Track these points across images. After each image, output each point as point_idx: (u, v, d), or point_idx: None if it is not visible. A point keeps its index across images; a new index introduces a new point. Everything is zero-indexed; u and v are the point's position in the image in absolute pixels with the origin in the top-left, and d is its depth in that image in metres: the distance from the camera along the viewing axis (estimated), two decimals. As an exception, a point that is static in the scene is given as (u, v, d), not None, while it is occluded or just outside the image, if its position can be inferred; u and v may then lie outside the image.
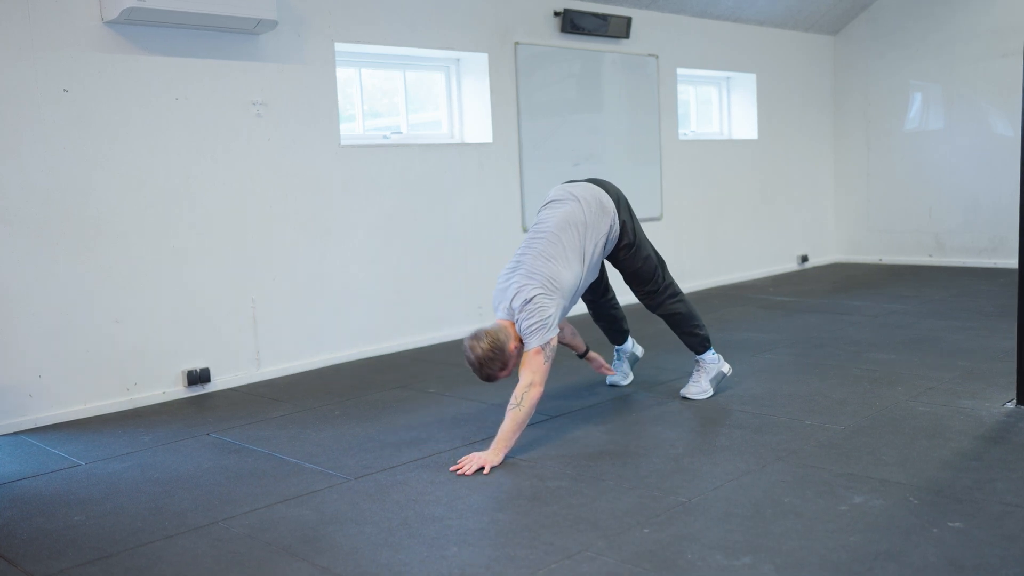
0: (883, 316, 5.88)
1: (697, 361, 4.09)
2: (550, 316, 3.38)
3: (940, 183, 8.38)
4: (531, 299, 3.39)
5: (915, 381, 4.16)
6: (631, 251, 3.82)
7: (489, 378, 3.41)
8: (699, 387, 4.06)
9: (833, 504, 2.74)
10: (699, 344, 4.04)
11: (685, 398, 4.06)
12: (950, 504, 2.70)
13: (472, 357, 3.37)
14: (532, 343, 3.35)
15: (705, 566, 2.38)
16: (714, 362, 4.08)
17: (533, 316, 3.36)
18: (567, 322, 3.92)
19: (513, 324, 3.44)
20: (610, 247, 3.79)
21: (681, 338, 4.05)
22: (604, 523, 2.69)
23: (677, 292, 4.00)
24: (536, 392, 3.32)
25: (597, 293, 4.15)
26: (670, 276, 4.00)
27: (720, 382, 4.13)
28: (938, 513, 2.64)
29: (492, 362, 3.35)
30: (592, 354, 4.14)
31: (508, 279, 3.51)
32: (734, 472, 3.08)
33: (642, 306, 4.05)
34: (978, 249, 8.19)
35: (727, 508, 2.76)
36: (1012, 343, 4.24)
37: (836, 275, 8.13)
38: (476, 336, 3.38)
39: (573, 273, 3.55)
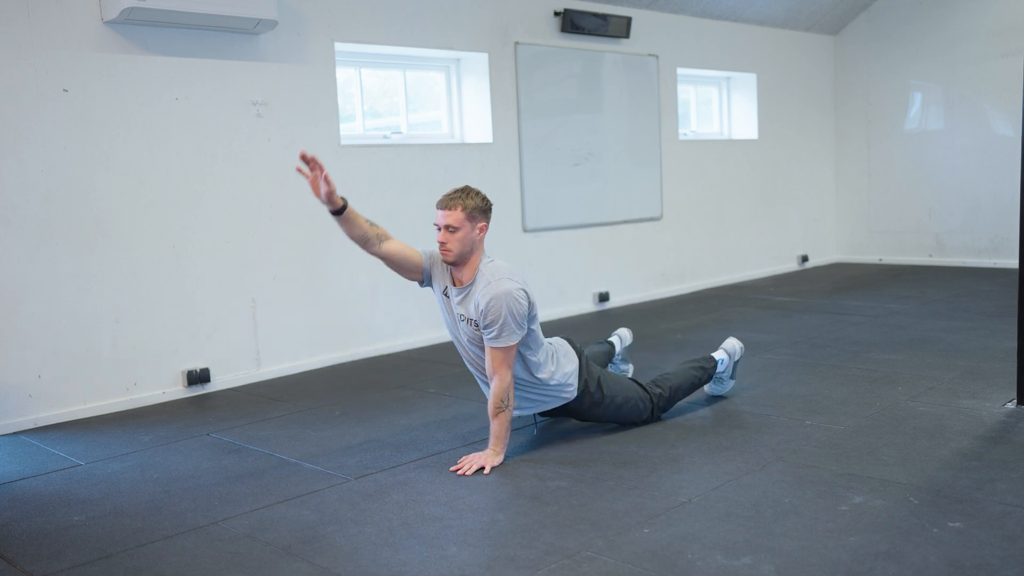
0: (883, 316, 5.88)
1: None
2: (521, 313, 3.20)
3: (940, 183, 8.38)
4: (510, 281, 3.19)
5: (915, 381, 4.16)
6: (600, 408, 3.58)
7: (450, 204, 3.18)
8: (722, 385, 4.09)
9: (833, 504, 2.74)
10: (709, 378, 3.98)
11: (709, 394, 4.09)
12: (950, 504, 2.70)
13: (466, 186, 3.29)
14: (504, 340, 3.19)
15: (705, 566, 2.37)
16: (724, 366, 4.02)
17: (509, 309, 3.15)
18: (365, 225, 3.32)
19: (483, 245, 3.32)
20: (564, 394, 3.48)
21: None
22: (604, 523, 2.69)
23: (668, 395, 3.76)
24: (513, 385, 3.28)
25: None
26: (655, 390, 3.72)
27: (736, 368, 4.16)
28: (938, 513, 2.64)
29: (472, 199, 3.23)
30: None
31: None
32: (734, 472, 3.08)
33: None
34: (978, 249, 8.20)
35: (727, 508, 2.76)
36: (1012, 343, 4.24)
37: (836, 275, 8.13)
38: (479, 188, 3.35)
39: (534, 313, 3.33)
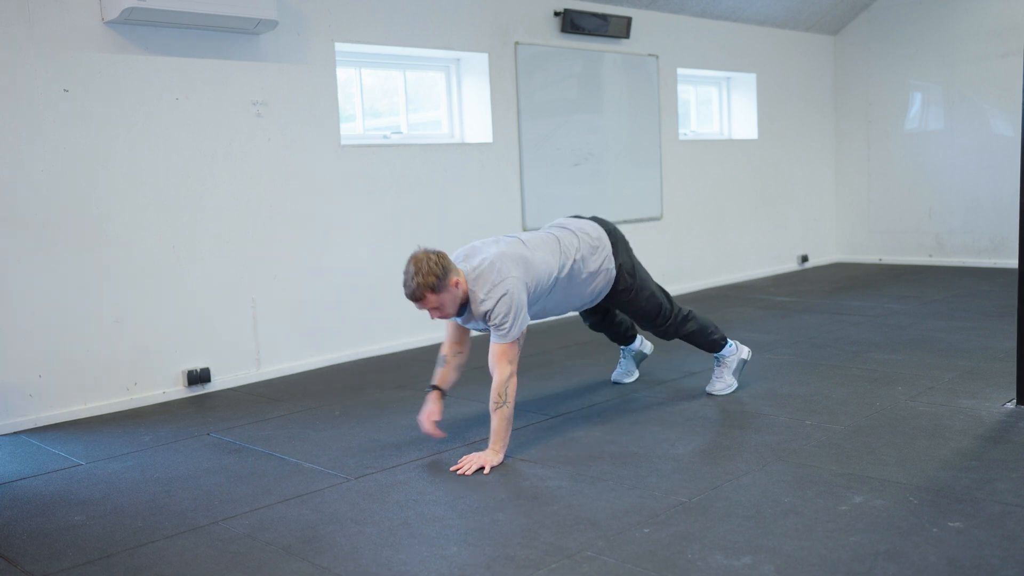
0: (883, 316, 5.88)
1: (716, 358, 4.10)
2: (523, 304, 3.28)
3: (940, 183, 8.38)
4: (503, 283, 3.24)
5: (915, 381, 4.16)
6: (631, 294, 3.77)
7: (416, 295, 3.18)
8: (723, 382, 4.09)
9: (833, 504, 2.74)
10: (716, 346, 4.04)
11: (711, 395, 4.08)
12: (950, 504, 2.70)
13: (413, 262, 3.19)
14: (510, 336, 3.26)
15: (705, 566, 2.38)
16: (733, 353, 4.08)
17: (509, 306, 3.23)
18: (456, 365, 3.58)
19: (464, 278, 3.28)
20: (602, 289, 3.72)
21: (699, 348, 4.07)
22: (604, 523, 2.69)
23: (686, 316, 3.94)
24: (515, 382, 3.29)
25: (596, 316, 4.13)
26: (677, 305, 3.94)
27: (743, 370, 4.18)
28: (938, 513, 2.64)
29: (430, 277, 3.14)
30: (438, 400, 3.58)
31: (484, 245, 3.43)
32: (734, 472, 3.08)
33: None
34: (978, 249, 8.20)
35: (727, 508, 2.76)
36: (1012, 343, 4.24)
37: (836, 275, 8.13)
38: (427, 250, 3.23)
39: (548, 273, 3.44)
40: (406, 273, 3.22)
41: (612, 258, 3.68)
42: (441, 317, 3.32)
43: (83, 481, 3.35)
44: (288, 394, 4.59)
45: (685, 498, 2.86)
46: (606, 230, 3.74)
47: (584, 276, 3.61)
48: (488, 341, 3.35)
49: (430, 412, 3.48)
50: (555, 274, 3.49)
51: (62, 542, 2.77)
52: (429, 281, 3.16)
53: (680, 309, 3.93)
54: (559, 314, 3.76)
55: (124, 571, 2.54)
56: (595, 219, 3.81)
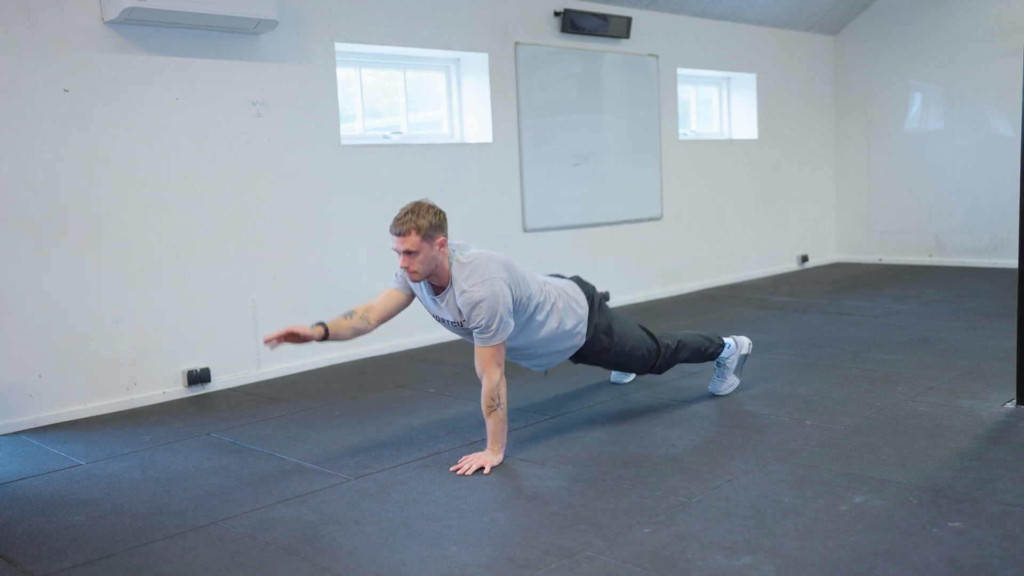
0: (883, 316, 5.88)
1: (718, 362, 4.07)
2: (508, 306, 3.23)
3: (940, 183, 8.38)
4: (490, 282, 3.19)
5: (915, 381, 4.16)
6: (609, 353, 3.70)
7: (403, 230, 3.14)
8: (726, 382, 4.08)
9: (833, 504, 2.74)
10: (715, 355, 4.00)
11: (714, 395, 4.07)
12: (950, 504, 2.70)
13: (415, 204, 3.20)
14: (497, 338, 3.22)
15: (705, 566, 2.38)
16: (732, 353, 4.04)
17: (495, 308, 3.19)
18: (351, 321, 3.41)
19: (448, 253, 3.26)
20: (569, 349, 3.62)
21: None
22: (604, 523, 2.69)
23: (676, 349, 3.85)
24: (504, 383, 3.27)
25: (576, 356, 3.96)
26: (663, 341, 3.83)
27: (745, 364, 4.16)
28: (938, 513, 2.64)
29: (423, 220, 3.13)
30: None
31: (473, 245, 3.42)
32: (734, 472, 3.08)
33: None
34: (978, 249, 8.20)
35: (727, 508, 2.76)
36: (1012, 343, 4.24)
37: (836, 275, 8.14)
38: (431, 203, 3.24)
39: (526, 294, 3.37)
40: (402, 209, 3.21)
41: (586, 323, 3.60)
42: (408, 271, 3.21)
43: (83, 481, 3.35)
44: (288, 394, 4.59)
45: (685, 498, 2.86)
46: (585, 292, 3.66)
47: (555, 328, 3.50)
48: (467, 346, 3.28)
49: (296, 325, 3.28)
50: (532, 301, 3.39)
51: (62, 542, 2.78)
52: (421, 223, 3.15)
53: (668, 345, 3.83)
54: (519, 361, 3.65)
55: (124, 571, 2.54)
56: (576, 279, 3.75)
